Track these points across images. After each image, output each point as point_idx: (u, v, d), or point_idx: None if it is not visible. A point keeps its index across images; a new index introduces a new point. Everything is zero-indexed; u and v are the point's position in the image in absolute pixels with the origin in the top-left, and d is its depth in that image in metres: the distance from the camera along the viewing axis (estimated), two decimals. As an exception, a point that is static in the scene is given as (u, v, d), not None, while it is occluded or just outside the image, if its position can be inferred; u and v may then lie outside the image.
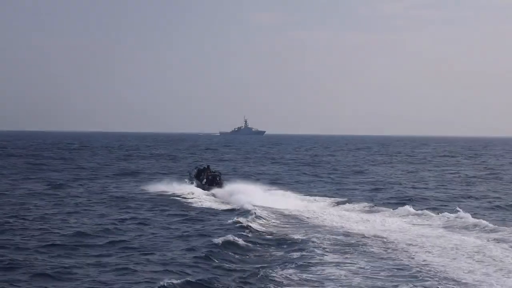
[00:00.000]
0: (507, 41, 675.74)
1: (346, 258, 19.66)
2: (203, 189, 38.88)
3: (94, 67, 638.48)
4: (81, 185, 42.34)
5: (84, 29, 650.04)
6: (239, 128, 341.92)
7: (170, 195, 36.86)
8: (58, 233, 23.30)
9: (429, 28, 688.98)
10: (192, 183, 40.96)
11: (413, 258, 19.73)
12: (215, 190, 37.85)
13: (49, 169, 56.89)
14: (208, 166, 42.41)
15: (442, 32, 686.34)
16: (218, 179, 39.95)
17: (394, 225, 26.37)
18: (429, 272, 17.87)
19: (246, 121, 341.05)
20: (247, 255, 20.46)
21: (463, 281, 17.05)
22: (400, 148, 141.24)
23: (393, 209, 30.46)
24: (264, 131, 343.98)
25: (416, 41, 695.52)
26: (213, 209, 31.72)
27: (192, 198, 35.53)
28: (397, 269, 18.33)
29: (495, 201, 36.93)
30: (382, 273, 17.85)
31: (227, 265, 18.87)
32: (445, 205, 33.90)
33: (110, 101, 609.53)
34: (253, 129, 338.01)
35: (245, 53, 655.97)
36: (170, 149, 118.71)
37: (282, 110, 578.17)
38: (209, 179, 39.82)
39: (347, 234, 23.72)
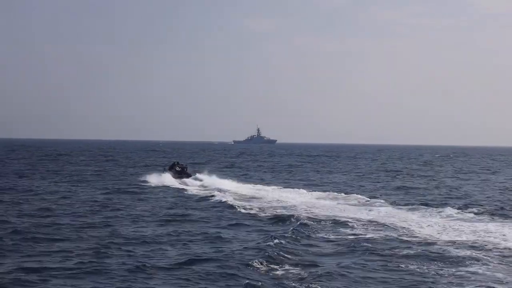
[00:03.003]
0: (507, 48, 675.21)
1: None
2: (175, 177, 50.91)
3: (106, 75, 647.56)
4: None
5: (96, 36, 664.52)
6: (252, 137, 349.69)
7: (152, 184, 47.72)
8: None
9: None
10: (166, 173, 52.94)
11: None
12: (184, 179, 50.52)
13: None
14: (177, 162, 56.41)
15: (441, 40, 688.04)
16: (185, 170, 53.19)
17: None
18: None
19: (258, 130, 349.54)
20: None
21: None
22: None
23: None
24: (276, 140, 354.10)
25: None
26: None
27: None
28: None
29: None
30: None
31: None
32: None
33: (119, 109, 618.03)
34: (265, 138, 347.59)
35: (250, 60, 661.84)
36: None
37: (292, 119, 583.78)
38: (178, 171, 52.73)
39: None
